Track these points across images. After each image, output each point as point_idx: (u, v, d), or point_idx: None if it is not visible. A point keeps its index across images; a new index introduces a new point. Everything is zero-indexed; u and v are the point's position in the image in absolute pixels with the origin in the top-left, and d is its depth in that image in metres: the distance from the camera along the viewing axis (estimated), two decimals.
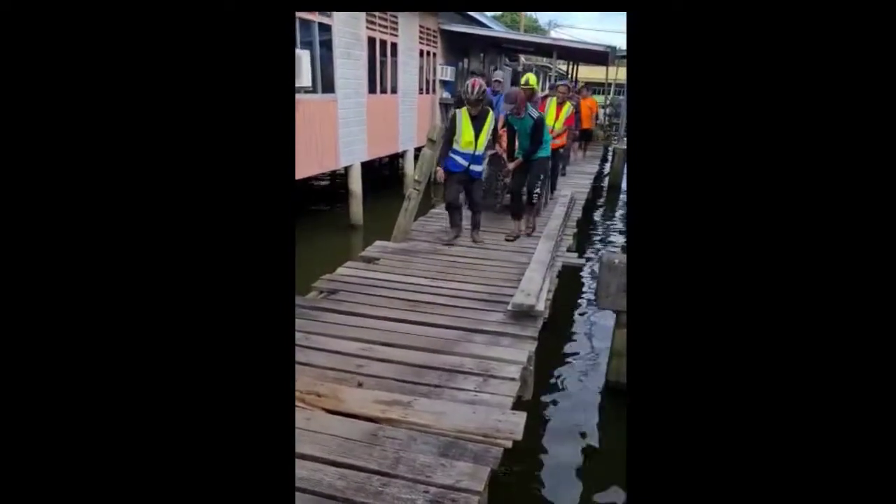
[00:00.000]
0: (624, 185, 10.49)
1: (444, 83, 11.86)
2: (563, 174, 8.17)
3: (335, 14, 6.86)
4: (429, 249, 4.71)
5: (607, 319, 4.35)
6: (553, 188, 6.91)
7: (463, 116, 4.56)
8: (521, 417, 2.30)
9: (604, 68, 14.94)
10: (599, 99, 14.70)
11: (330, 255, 5.42)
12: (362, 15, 7.72)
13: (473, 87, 4.47)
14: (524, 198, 5.11)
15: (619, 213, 9.35)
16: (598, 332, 4.72)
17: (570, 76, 17.41)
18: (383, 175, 10.93)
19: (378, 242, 4.79)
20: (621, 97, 15.84)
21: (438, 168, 4.62)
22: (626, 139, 10.61)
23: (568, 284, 4.36)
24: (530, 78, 6.26)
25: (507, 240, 5.01)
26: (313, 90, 6.46)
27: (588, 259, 6.25)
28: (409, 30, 9.63)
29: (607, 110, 15.98)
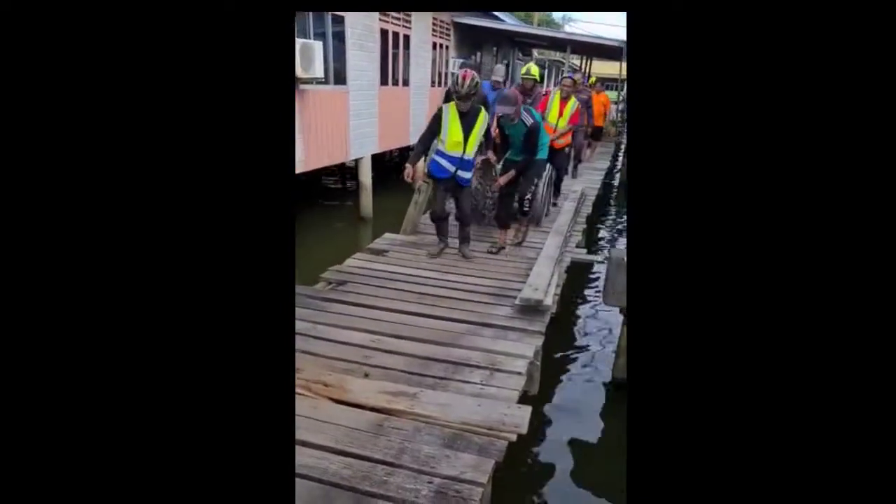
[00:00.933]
0: None
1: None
2: (575, 176, 7.84)
3: None
4: (438, 242, 4.72)
5: (614, 316, 4.35)
6: (557, 192, 6.32)
7: (451, 113, 3.89)
8: (526, 411, 2.30)
9: (618, 63, 14.84)
10: (612, 95, 14.58)
11: (339, 247, 5.45)
12: None
13: (465, 79, 3.76)
14: (515, 205, 4.49)
15: None
16: (604, 328, 4.71)
17: (583, 71, 17.29)
18: (394, 168, 10.95)
19: (387, 235, 4.81)
20: None
21: (408, 165, 3.93)
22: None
23: (576, 280, 4.34)
24: (532, 68, 5.71)
25: (489, 252, 4.42)
26: (325, 81, 6.46)
27: (597, 255, 6.22)
28: (422, 22, 9.60)
29: (619, 106, 15.89)
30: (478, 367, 2.71)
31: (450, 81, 11.42)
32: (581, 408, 3.55)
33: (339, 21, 6.75)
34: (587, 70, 18.15)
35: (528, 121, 4.10)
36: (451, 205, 4.32)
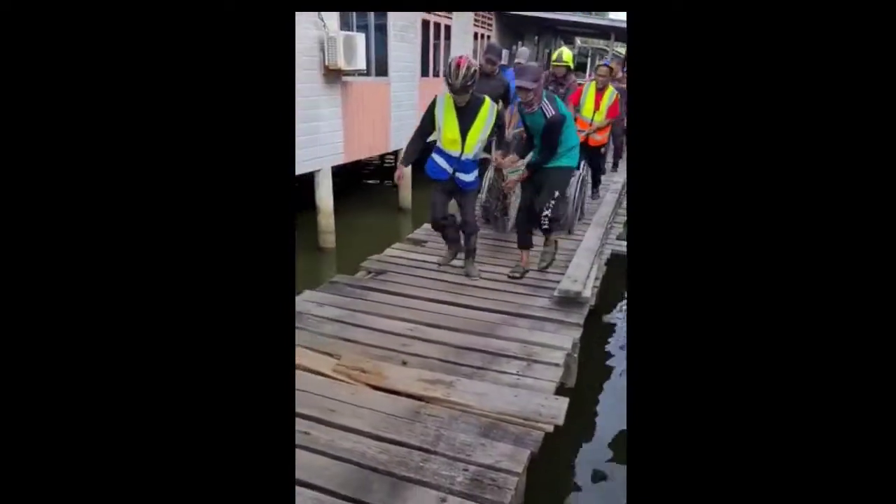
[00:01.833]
0: None
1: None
2: (616, 171, 7.45)
3: None
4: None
5: None
6: (596, 185, 5.80)
7: (445, 105, 3.27)
8: (563, 403, 2.29)
9: None
10: None
11: (379, 237, 5.51)
12: None
13: (458, 67, 3.06)
14: (540, 219, 3.65)
15: None
16: None
17: (625, 59, 16.86)
18: None
19: (426, 225, 4.82)
20: None
21: (399, 167, 3.53)
22: None
23: (616, 272, 4.26)
24: (564, 53, 4.99)
25: (510, 277, 3.74)
26: (367, 73, 6.51)
27: None
28: (463, 12, 9.55)
29: None
30: (515, 357, 2.71)
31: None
32: (618, 402, 3.51)
33: (381, 13, 6.78)
34: None
35: (549, 112, 3.32)
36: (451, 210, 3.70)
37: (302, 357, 2.59)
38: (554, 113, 3.32)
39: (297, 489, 1.80)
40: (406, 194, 7.73)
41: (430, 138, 3.50)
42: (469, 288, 3.55)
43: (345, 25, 5.76)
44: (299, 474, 1.86)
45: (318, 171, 5.75)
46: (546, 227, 3.64)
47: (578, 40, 20.84)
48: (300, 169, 5.42)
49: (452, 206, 3.72)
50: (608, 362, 3.98)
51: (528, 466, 2.01)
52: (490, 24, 11.14)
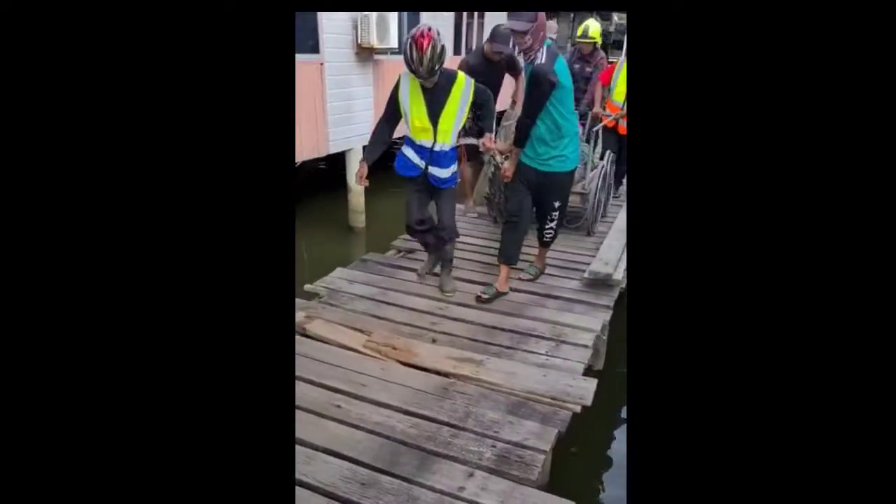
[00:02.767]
0: None
1: None
2: None
3: None
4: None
5: None
6: (617, 190, 4.97)
7: (410, 87, 2.65)
8: (591, 384, 2.30)
9: None
10: None
11: None
12: None
13: (421, 51, 2.41)
14: (540, 231, 3.18)
15: None
16: None
17: None
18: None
19: (457, 206, 4.82)
20: None
21: (362, 164, 2.80)
22: None
23: None
24: (590, 27, 4.44)
25: (478, 299, 3.03)
26: (399, 51, 6.49)
27: None
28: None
29: None
30: (543, 338, 2.72)
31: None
32: None
33: None
34: None
35: (541, 58, 2.58)
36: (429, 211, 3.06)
37: (334, 333, 2.65)
38: (543, 64, 2.57)
39: (330, 459, 1.86)
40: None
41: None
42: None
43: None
44: (332, 445, 1.92)
45: (350, 150, 5.78)
46: (547, 240, 3.24)
47: (616, 16, 20.30)
48: (332, 148, 5.47)
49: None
50: None
51: (555, 446, 2.03)
52: None
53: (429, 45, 2.40)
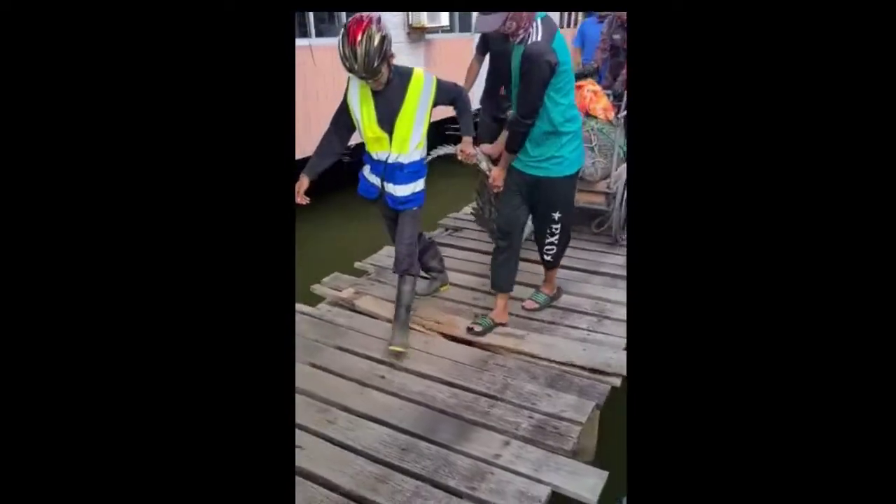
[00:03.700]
0: None
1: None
2: None
3: None
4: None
5: None
6: None
7: (359, 93, 2.17)
8: None
9: None
10: None
11: (459, 196, 5.57)
12: None
13: (355, 45, 1.91)
14: (540, 249, 2.61)
15: None
16: None
17: None
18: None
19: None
20: None
21: (302, 178, 2.21)
22: None
23: None
24: None
25: (469, 330, 2.53)
26: (451, 29, 6.48)
27: None
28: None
29: None
30: (586, 313, 2.73)
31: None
32: None
33: None
34: None
35: (537, 35, 2.05)
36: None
37: (380, 308, 2.75)
38: (538, 40, 2.04)
39: (372, 425, 1.97)
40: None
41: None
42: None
43: None
44: (375, 413, 2.02)
45: None
46: (550, 259, 2.62)
47: None
48: None
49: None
50: None
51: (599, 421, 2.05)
52: None
53: (363, 35, 1.91)
